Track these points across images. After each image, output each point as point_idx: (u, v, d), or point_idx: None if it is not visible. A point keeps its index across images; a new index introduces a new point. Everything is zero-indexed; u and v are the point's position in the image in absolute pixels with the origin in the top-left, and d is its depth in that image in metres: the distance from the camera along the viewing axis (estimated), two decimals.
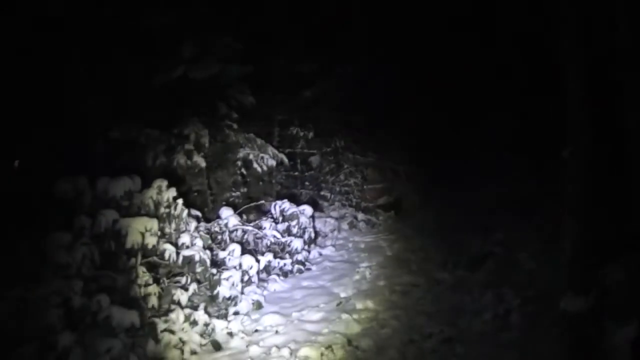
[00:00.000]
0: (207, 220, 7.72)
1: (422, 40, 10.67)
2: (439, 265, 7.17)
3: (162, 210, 6.17)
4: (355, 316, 5.77)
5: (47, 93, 8.35)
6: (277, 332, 5.68)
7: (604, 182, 3.77)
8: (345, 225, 9.77)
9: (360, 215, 10.14)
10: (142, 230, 5.75)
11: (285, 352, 5.14)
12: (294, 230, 7.85)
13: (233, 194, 9.42)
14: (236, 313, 6.14)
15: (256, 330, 5.79)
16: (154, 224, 5.84)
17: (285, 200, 8.22)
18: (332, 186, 10.79)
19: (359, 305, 6.10)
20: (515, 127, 10.01)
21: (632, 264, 3.37)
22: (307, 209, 8.05)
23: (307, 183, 11.06)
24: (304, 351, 5.10)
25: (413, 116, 10.81)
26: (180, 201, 6.32)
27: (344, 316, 5.73)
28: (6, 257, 5.78)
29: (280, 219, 7.99)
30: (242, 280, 6.63)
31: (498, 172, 9.49)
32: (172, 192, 6.23)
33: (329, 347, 5.13)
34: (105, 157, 8.38)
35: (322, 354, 5.04)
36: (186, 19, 8.60)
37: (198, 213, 7.48)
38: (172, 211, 6.23)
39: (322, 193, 10.72)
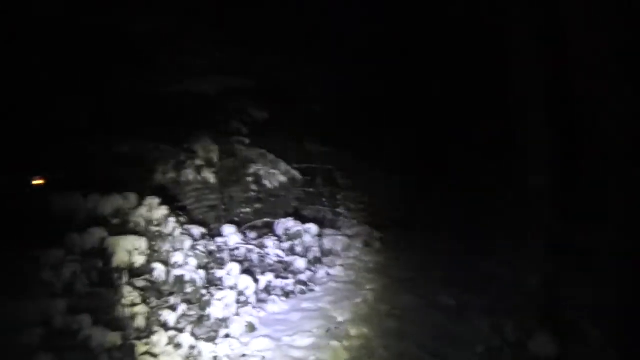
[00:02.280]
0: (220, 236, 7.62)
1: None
2: (444, 287, 6.83)
3: (153, 228, 6.07)
4: (346, 343, 5.51)
5: (55, 104, 8.48)
6: (263, 358, 5.47)
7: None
8: (358, 244, 9.48)
9: (376, 234, 9.83)
10: (130, 249, 5.69)
11: None
12: (298, 250, 7.64)
13: (243, 210, 9.31)
14: (227, 336, 5.94)
15: (243, 355, 5.58)
16: (142, 243, 5.76)
17: (290, 218, 8.01)
18: (348, 203, 10.53)
19: (353, 331, 5.84)
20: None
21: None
22: (313, 228, 7.83)
23: (323, 200, 10.85)
24: None
25: (424, 128, 10.56)
26: (172, 219, 6.22)
27: (334, 343, 5.48)
28: None
29: (285, 237, 7.78)
30: (237, 301, 6.44)
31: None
32: (163, 210, 6.14)
33: None
34: (113, 171, 8.43)
35: None
36: (198, 32, 8.58)
37: (202, 229, 7.39)
38: (164, 229, 6.11)
39: (337, 210, 10.47)
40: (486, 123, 10.48)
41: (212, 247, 7.10)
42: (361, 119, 11.04)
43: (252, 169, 9.00)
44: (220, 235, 7.58)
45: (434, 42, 10.73)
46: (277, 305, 6.87)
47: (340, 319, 6.32)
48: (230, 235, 7.46)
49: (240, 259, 7.43)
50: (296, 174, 9.49)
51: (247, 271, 7.12)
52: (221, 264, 7.03)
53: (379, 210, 10.60)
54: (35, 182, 9.88)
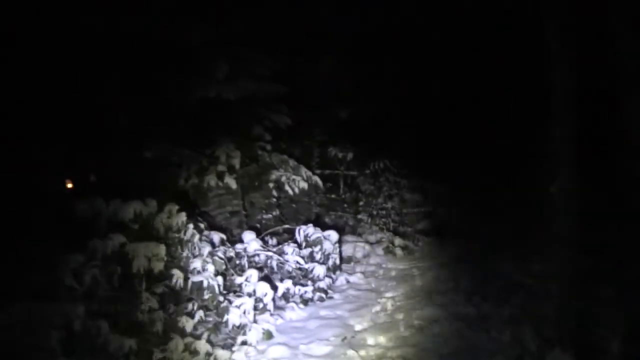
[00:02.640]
0: (241, 242, 7.63)
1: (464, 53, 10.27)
2: (466, 297, 6.70)
3: (172, 234, 6.11)
4: (362, 352, 5.44)
5: (83, 110, 8.63)
6: None
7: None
8: (380, 251, 9.42)
9: (398, 240, 9.74)
10: (149, 255, 5.71)
11: None
12: (317, 257, 7.61)
13: (265, 216, 9.33)
14: (244, 343, 5.94)
15: None
16: (160, 249, 5.78)
17: (310, 225, 7.99)
18: (370, 209, 10.46)
19: (370, 341, 5.77)
20: None
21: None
22: (333, 235, 7.79)
23: (345, 205, 10.81)
24: None
25: (454, 137, 10.37)
26: (190, 226, 6.26)
27: (350, 352, 5.43)
28: (23, 273, 5.96)
29: (304, 244, 7.76)
30: (255, 308, 6.45)
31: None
32: (182, 216, 6.17)
33: None
34: (138, 176, 8.54)
35: None
36: (222, 37, 8.62)
37: (222, 235, 7.42)
38: (182, 236, 6.15)
39: (359, 216, 10.41)
40: (514, 127, 10.26)
41: (231, 254, 7.12)
42: (387, 124, 10.92)
43: (274, 175, 9.02)
44: (240, 241, 7.60)
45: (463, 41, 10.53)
46: (295, 313, 6.85)
47: (358, 327, 6.27)
48: (250, 241, 7.48)
49: (259, 265, 7.44)
50: (318, 180, 9.47)
51: (265, 278, 7.14)
52: (240, 270, 7.06)
53: (401, 217, 10.49)
54: (66, 186, 10.10)
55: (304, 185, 8.99)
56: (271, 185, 9.07)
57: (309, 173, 9.35)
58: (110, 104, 8.46)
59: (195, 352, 5.53)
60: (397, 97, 10.53)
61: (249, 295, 6.53)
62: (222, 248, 7.14)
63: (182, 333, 5.72)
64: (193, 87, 8.58)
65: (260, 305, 6.59)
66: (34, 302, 5.43)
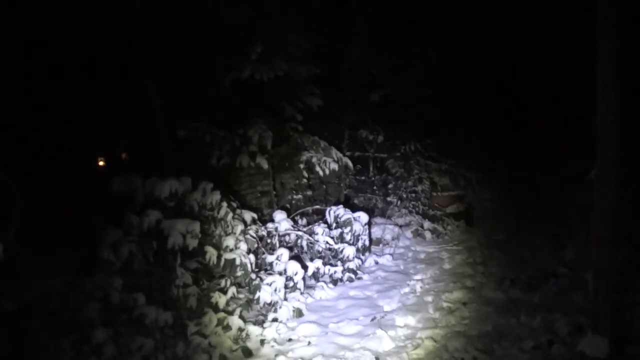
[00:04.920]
0: (272, 222, 7.73)
1: (499, 38, 10.06)
2: (495, 282, 6.70)
3: (206, 212, 6.23)
4: (392, 333, 5.50)
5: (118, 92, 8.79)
6: (309, 343, 5.53)
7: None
8: (409, 234, 9.43)
9: (427, 224, 9.75)
10: (184, 232, 5.83)
11: None
12: (347, 237, 7.66)
13: (295, 196, 9.41)
14: (275, 320, 6.07)
15: (289, 339, 5.67)
16: (195, 226, 5.89)
17: (341, 206, 8.03)
18: (399, 192, 10.46)
19: (399, 322, 5.82)
20: None
21: None
22: (363, 216, 7.82)
23: (375, 188, 10.82)
24: None
25: (486, 120, 10.24)
26: (224, 204, 6.35)
27: (379, 332, 5.48)
28: (63, 248, 6.18)
29: (334, 225, 7.82)
30: (285, 286, 6.56)
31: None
32: (217, 195, 6.27)
33: None
34: (171, 156, 8.69)
35: None
36: (256, 17, 8.62)
37: (254, 215, 7.51)
38: (216, 214, 6.26)
39: (388, 199, 10.42)
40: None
41: (263, 233, 7.23)
42: (419, 108, 10.83)
43: (305, 156, 9.05)
44: (271, 220, 7.69)
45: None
46: (324, 292, 6.95)
47: (387, 308, 6.33)
48: (281, 221, 7.57)
49: (289, 245, 7.54)
50: (348, 161, 9.49)
51: (296, 257, 7.24)
52: (271, 249, 7.17)
53: (431, 200, 10.47)
54: (100, 164, 10.33)
55: (334, 166, 9.00)
56: (302, 166, 9.11)
57: (340, 154, 9.35)
58: (145, 85, 8.58)
59: (227, 327, 5.68)
60: (429, 81, 10.39)
61: (280, 273, 6.64)
62: (253, 227, 7.24)
63: (215, 308, 5.86)
64: (227, 67, 8.62)
65: (291, 283, 6.70)
66: (74, 275, 5.66)
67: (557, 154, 9.72)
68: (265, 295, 6.19)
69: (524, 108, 10.41)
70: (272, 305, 6.21)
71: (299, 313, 6.27)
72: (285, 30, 8.73)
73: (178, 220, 5.90)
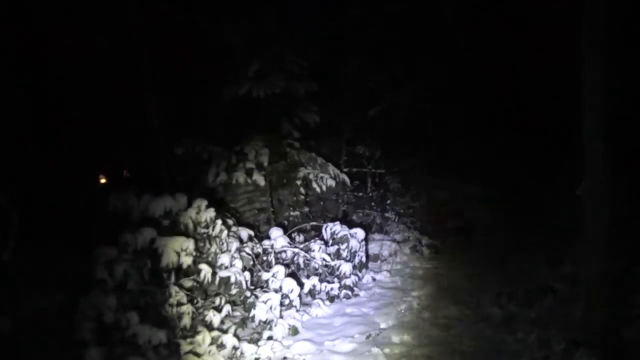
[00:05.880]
0: (268, 239, 7.70)
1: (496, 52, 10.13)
2: (492, 297, 6.65)
3: (200, 230, 6.23)
4: (387, 350, 5.46)
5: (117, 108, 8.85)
6: None
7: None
8: (406, 249, 9.39)
9: (425, 240, 9.70)
10: (178, 250, 5.84)
11: None
12: (344, 254, 7.63)
13: (292, 213, 9.40)
14: (270, 338, 6.03)
15: (284, 358, 5.64)
16: (189, 244, 5.90)
17: (337, 222, 8.01)
18: (397, 207, 10.44)
19: (395, 339, 5.78)
20: None
21: None
22: (359, 232, 7.80)
23: (373, 204, 10.81)
24: None
25: (485, 136, 10.27)
26: (219, 222, 6.35)
27: (374, 350, 5.45)
28: (57, 265, 6.19)
29: (331, 241, 7.79)
30: (281, 304, 6.52)
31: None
32: (211, 212, 6.29)
33: None
34: (170, 173, 8.73)
35: None
36: (253, 35, 8.69)
37: (250, 232, 7.49)
38: (211, 231, 6.25)
39: (386, 215, 10.40)
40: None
41: (259, 250, 7.21)
42: (416, 123, 10.85)
43: (302, 172, 9.06)
44: (267, 237, 7.67)
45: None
46: (320, 309, 6.91)
47: (383, 325, 6.29)
48: (278, 238, 7.55)
49: (286, 261, 7.51)
50: (345, 177, 9.50)
51: (292, 274, 7.20)
52: (267, 266, 7.14)
53: (429, 216, 10.44)
54: (100, 181, 10.35)
55: (331, 182, 9.00)
56: (299, 182, 9.12)
57: (337, 171, 9.36)
58: (143, 102, 8.65)
59: (222, 346, 5.65)
60: (428, 96, 10.43)
61: (276, 291, 6.60)
62: (249, 244, 7.22)
63: (210, 327, 5.83)
64: (224, 84, 8.67)
65: (287, 301, 6.66)
66: (70, 292, 5.66)
67: (555, 166, 9.74)
68: (260, 313, 6.16)
69: (525, 123, 10.45)
70: (267, 323, 6.17)
71: (294, 331, 6.23)
72: (283, 47, 8.79)
73: (172, 238, 5.90)
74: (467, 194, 10.60)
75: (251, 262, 6.80)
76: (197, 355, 5.44)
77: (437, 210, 10.60)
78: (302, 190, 9.17)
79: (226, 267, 6.18)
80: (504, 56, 10.00)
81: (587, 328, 4.10)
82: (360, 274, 7.85)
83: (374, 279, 8.04)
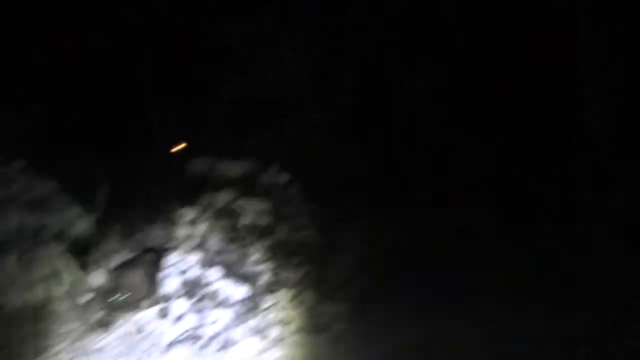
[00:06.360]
0: None
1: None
2: None
3: (277, 192, 6.32)
4: None
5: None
6: None
7: None
8: None
9: None
10: (257, 210, 5.92)
11: None
12: None
13: None
14: None
15: None
16: (267, 205, 6.00)
17: None
18: None
19: None
20: None
21: None
22: None
23: None
24: None
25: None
26: (294, 185, 6.46)
27: None
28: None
29: None
30: None
31: None
32: (287, 175, 6.38)
33: None
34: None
35: None
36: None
37: None
38: (287, 194, 6.37)
39: None
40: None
41: None
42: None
43: None
44: None
45: None
46: None
47: None
48: None
49: None
50: None
51: None
52: None
53: None
54: (177, 147, 10.04)
55: None
56: None
57: None
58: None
59: (301, 303, 5.72)
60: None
61: None
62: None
63: (288, 284, 5.89)
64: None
65: None
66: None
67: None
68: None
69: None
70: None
71: None
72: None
73: (251, 199, 6.02)
74: None
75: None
76: (277, 310, 5.53)
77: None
78: None
79: (302, 228, 6.27)
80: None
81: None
82: None
83: None
